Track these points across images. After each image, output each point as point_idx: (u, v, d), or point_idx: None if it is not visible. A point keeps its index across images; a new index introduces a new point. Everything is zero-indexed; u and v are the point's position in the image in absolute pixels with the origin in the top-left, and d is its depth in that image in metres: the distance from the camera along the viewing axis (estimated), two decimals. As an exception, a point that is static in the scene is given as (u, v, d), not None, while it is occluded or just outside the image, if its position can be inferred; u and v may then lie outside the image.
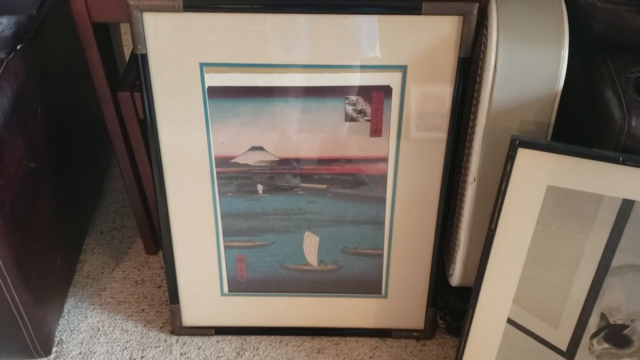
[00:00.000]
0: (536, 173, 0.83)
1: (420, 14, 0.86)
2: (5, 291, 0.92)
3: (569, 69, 0.84)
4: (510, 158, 0.83)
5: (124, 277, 1.22)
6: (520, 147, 0.82)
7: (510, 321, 0.95)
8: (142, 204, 1.16)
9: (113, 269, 1.24)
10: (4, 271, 0.90)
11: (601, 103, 0.85)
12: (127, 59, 1.16)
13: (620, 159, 0.78)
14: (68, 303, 1.18)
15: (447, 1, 0.85)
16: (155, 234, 1.23)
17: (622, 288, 0.87)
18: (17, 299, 0.95)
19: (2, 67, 0.88)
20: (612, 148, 0.83)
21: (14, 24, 0.86)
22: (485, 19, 0.87)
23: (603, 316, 0.89)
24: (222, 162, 0.98)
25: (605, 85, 0.85)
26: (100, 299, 1.19)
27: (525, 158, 0.83)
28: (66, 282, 1.16)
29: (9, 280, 0.92)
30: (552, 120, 0.87)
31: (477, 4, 0.85)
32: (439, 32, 0.87)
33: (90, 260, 1.25)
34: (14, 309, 0.95)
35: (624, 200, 0.81)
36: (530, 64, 0.84)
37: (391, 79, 0.91)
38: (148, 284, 1.21)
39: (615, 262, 0.85)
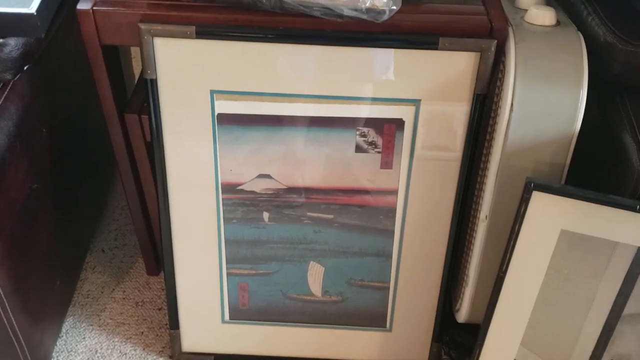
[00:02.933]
0: (550, 217, 0.81)
1: (437, 49, 0.84)
2: (2, 315, 0.90)
3: (586, 110, 0.82)
4: (524, 201, 0.81)
5: (124, 298, 1.20)
6: (535, 190, 0.80)
7: (517, 364, 0.93)
8: (145, 225, 1.14)
9: (113, 289, 1.22)
10: (1, 295, 0.88)
11: (619, 147, 0.83)
12: (137, 77, 1.14)
13: (638, 207, 0.77)
14: (66, 323, 1.16)
15: (464, 37, 0.84)
16: (157, 255, 1.21)
17: (634, 336, 0.85)
18: (14, 322, 0.93)
19: (8, 88, 0.86)
20: (629, 194, 0.81)
21: (21, 45, 0.85)
22: (503, 56, 0.85)
23: (613, 364, 0.87)
24: (229, 188, 0.96)
25: (624, 129, 0.83)
26: (100, 319, 1.17)
27: (539, 201, 0.81)
28: (65, 302, 1.15)
29: (6, 304, 0.90)
30: (568, 162, 0.85)
31: (495, 40, 0.83)
32: (455, 68, 0.85)
33: (91, 279, 1.23)
34: (10, 332, 0.93)
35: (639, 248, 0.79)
36: (548, 103, 0.82)
37: (404, 112, 0.89)
38: (148, 306, 1.19)
39: (627, 310, 0.83)
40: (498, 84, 0.88)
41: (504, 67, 0.85)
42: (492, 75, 0.86)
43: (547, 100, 0.82)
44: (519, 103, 0.82)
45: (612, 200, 0.78)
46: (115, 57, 0.96)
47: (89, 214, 1.27)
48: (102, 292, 1.21)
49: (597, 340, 0.86)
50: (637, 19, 0.88)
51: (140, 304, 1.19)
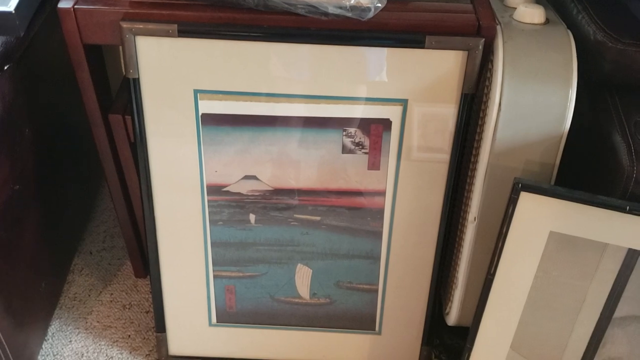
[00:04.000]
0: (539, 218, 0.80)
1: (423, 47, 0.82)
2: (-16, 318, 0.89)
3: (575, 110, 0.81)
4: (512, 201, 0.80)
5: (111, 301, 1.19)
6: (523, 190, 0.79)
7: (507, 367, 0.91)
8: (132, 227, 1.13)
9: (100, 292, 1.20)
10: (-17, 298, 0.87)
11: (609, 147, 0.82)
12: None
13: (628, 207, 0.75)
14: (52, 326, 1.14)
15: (452, 35, 0.82)
16: (144, 257, 1.19)
17: (625, 340, 0.83)
18: (-4, 325, 0.91)
19: (-12, 88, 0.85)
20: (618, 195, 0.79)
21: (1, 44, 0.83)
22: (491, 54, 0.84)
23: (604, 367, 0.86)
24: (214, 190, 0.95)
25: (614, 129, 0.82)
26: (86, 322, 1.15)
27: (527, 202, 0.79)
28: (51, 305, 1.13)
29: (-13, 307, 0.89)
30: (557, 162, 0.84)
31: (483, 39, 0.82)
32: (443, 67, 0.84)
33: (78, 282, 1.22)
34: (-8, 336, 0.92)
35: (630, 249, 0.78)
36: (537, 103, 0.81)
37: (391, 113, 0.88)
38: (135, 309, 1.18)
39: (618, 313, 0.82)
40: (486, 83, 0.86)
41: (492, 66, 0.83)
42: (480, 74, 0.85)
43: (536, 99, 0.80)
44: (507, 102, 0.81)
45: (601, 201, 0.76)
46: (98, 56, 0.94)
47: (77, 216, 1.25)
48: (89, 295, 1.20)
49: (588, 344, 0.85)
50: (628, 17, 0.86)
51: (127, 306, 1.18)
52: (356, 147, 0.91)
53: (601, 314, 0.83)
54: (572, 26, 0.86)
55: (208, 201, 0.95)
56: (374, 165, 0.92)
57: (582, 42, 0.84)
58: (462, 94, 0.85)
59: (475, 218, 0.89)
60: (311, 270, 1.01)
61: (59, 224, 1.12)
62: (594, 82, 0.86)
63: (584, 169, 0.89)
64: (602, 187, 0.82)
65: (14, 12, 0.79)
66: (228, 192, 0.95)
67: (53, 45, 1.01)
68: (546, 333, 0.87)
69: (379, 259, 0.99)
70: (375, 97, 0.87)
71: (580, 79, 0.80)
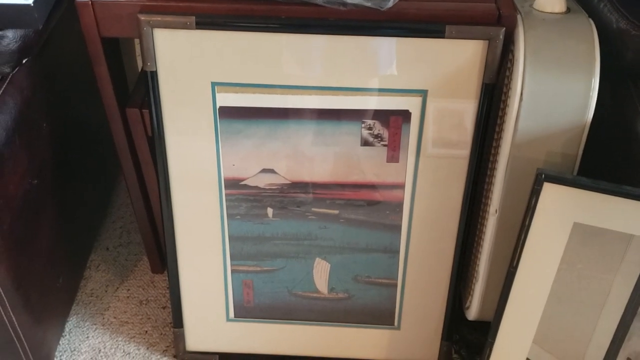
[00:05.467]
0: (562, 209, 0.78)
1: (443, 37, 0.81)
2: (3, 313, 0.89)
3: (598, 99, 0.79)
4: (535, 192, 0.78)
5: (128, 296, 1.19)
6: (546, 181, 0.77)
7: (529, 362, 0.90)
8: (149, 222, 1.13)
9: (117, 287, 1.20)
10: (1, 292, 0.87)
11: (632, 137, 0.80)
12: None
13: (653, 197, 0.74)
14: (70, 322, 1.14)
15: (472, 25, 0.81)
16: (161, 252, 1.19)
17: (651, 333, 0.82)
18: (14, 320, 0.91)
19: (7, 82, 0.85)
20: (644, 185, 0.78)
21: (19, 37, 0.83)
22: (512, 44, 0.83)
23: (629, 361, 0.84)
24: (232, 183, 0.94)
25: (638, 118, 0.80)
26: (103, 318, 1.15)
27: (551, 193, 0.78)
28: (68, 301, 1.13)
29: (6, 302, 0.88)
30: (580, 152, 0.82)
31: (504, 28, 0.81)
32: (463, 57, 0.83)
33: (95, 278, 1.22)
34: (11, 331, 0.92)
35: (656, 241, 0.76)
36: (559, 92, 0.79)
37: (410, 104, 0.87)
38: (152, 304, 1.17)
39: (644, 306, 0.80)
40: (507, 73, 0.85)
41: (513, 55, 0.82)
42: (501, 64, 0.84)
43: (558, 89, 0.79)
44: (528, 93, 0.80)
45: (626, 191, 0.75)
46: (116, 50, 0.94)
47: (94, 212, 1.25)
48: (106, 291, 1.19)
49: (613, 337, 0.83)
50: (651, 5, 0.85)
51: (144, 302, 1.18)
52: (375, 140, 0.90)
53: (626, 307, 0.81)
54: (593, 14, 0.85)
55: (226, 195, 0.95)
56: (393, 157, 0.91)
57: (604, 30, 0.83)
58: (482, 84, 0.84)
59: (496, 210, 0.88)
60: (329, 265, 1.00)
61: (76, 219, 1.12)
62: (617, 71, 0.85)
63: (606, 160, 0.88)
64: (626, 177, 0.81)
65: (32, 4, 0.79)
66: (246, 186, 0.94)
67: (71, 39, 1.01)
68: (570, 327, 0.85)
69: (397, 252, 0.98)
70: (394, 88, 0.86)
71: (603, 69, 0.79)
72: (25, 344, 0.95)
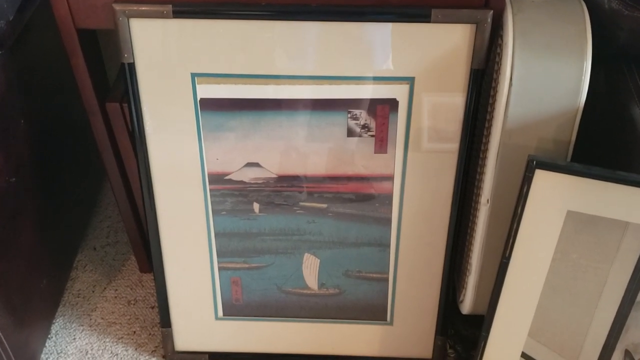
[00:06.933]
0: (555, 197, 0.76)
1: (429, 21, 0.79)
2: (-18, 316, 0.86)
3: (591, 83, 0.77)
4: (526, 180, 0.76)
5: (115, 297, 1.16)
6: (537, 168, 0.75)
7: (525, 356, 0.87)
8: (135, 220, 1.10)
9: (105, 288, 1.18)
10: (-20, 294, 0.84)
11: (627, 121, 0.78)
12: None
13: (649, 183, 0.71)
14: (56, 323, 1.12)
15: (458, 8, 0.78)
16: (149, 251, 1.16)
17: (649, 323, 0.79)
18: (-5, 323, 0.89)
19: (-21, 76, 0.82)
20: (639, 170, 0.75)
21: (-9, 30, 0.81)
22: (501, 28, 0.80)
23: (627, 353, 0.82)
24: (216, 178, 0.91)
25: (632, 101, 0.78)
26: (90, 319, 1.13)
27: (543, 180, 0.75)
28: (54, 302, 1.10)
29: (-15, 304, 0.86)
30: (573, 139, 0.80)
31: (492, 11, 0.78)
32: (450, 42, 0.80)
33: (82, 278, 1.19)
34: (-8, 334, 0.89)
35: (653, 228, 0.74)
36: (549, 76, 0.77)
37: (397, 92, 0.84)
38: (141, 304, 1.15)
39: (641, 295, 0.78)
40: (496, 59, 0.82)
41: (502, 40, 0.79)
42: (490, 49, 0.81)
43: (549, 73, 0.77)
44: (518, 77, 0.77)
45: (621, 177, 0.72)
46: (93, 42, 0.91)
47: (80, 211, 1.23)
48: (93, 291, 1.17)
49: (610, 329, 0.81)
50: (644, -15, 0.82)
51: (132, 302, 1.15)
52: (362, 130, 0.87)
53: (623, 297, 0.79)
54: (585, -5, 0.82)
55: (210, 190, 0.92)
56: (380, 148, 0.89)
57: (596, 11, 0.80)
58: (471, 69, 0.81)
59: (488, 200, 0.85)
60: (319, 260, 0.98)
61: (60, 219, 1.09)
62: (609, 53, 0.82)
63: (600, 146, 0.85)
64: (621, 162, 0.78)
65: (1, -5, 0.77)
66: (230, 181, 0.92)
67: (48, 31, 0.98)
68: (566, 319, 0.83)
69: (388, 246, 0.95)
70: (380, 76, 0.83)
71: (595, 51, 0.76)
72: (7, 346, 0.93)
